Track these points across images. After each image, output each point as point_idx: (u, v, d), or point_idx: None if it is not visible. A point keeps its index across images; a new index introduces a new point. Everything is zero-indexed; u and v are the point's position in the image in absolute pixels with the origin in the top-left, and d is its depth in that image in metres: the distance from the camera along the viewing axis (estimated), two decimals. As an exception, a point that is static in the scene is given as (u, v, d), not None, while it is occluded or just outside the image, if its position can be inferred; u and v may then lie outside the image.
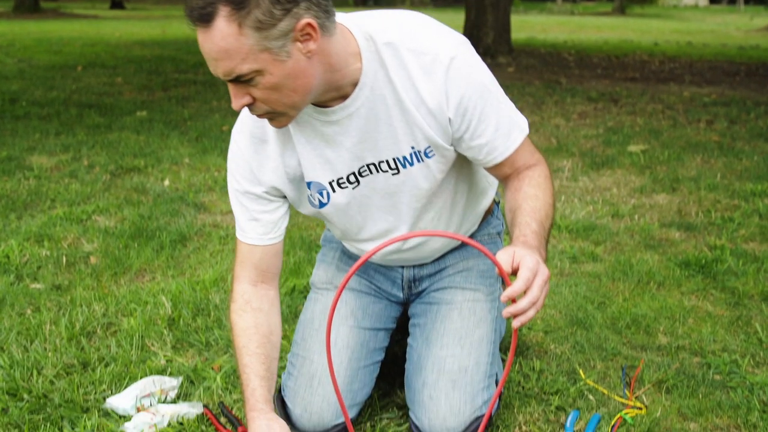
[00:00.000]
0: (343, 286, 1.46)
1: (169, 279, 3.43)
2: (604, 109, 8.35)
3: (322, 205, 2.08)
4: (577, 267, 3.63)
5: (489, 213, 2.39)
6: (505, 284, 1.63)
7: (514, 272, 1.64)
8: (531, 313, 1.61)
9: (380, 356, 2.35)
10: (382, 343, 2.36)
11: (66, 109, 7.84)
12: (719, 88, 10.40)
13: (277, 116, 1.81)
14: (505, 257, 1.65)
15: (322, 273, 2.41)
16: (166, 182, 5.09)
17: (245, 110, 1.99)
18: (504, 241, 2.48)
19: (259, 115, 1.82)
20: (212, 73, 1.73)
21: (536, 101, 8.85)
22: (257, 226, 2.10)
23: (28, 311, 3.05)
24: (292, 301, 3.16)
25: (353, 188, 2.04)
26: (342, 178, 2.02)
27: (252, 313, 2.12)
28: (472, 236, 2.35)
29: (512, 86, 9.95)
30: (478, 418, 2.14)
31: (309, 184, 2.05)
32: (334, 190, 2.04)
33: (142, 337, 2.80)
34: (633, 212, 4.51)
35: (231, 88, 1.75)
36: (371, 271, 2.37)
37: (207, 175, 5.29)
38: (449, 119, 1.89)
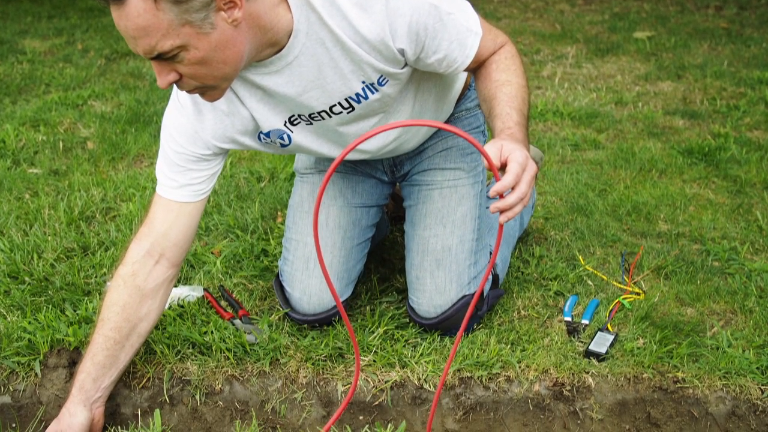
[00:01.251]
0: (328, 179, 1.42)
1: (167, 164, 3.40)
2: (611, -6, 8.13)
3: (284, 146, 2.01)
4: (579, 154, 3.60)
5: (466, 88, 2.31)
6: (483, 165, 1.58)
7: (502, 166, 1.59)
8: (518, 209, 1.57)
9: (372, 232, 2.36)
10: (374, 219, 2.36)
11: (58, -9, 7.63)
12: (729, -28, 10.10)
13: (208, 90, 1.69)
14: (493, 151, 1.60)
15: (305, 158, 2.37)
16: (163, 67, 4.99)
17: None
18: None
19: (189, 91, 1.69)
20: (134, 51, 1.59)
21: (541, -14, 8.61)
22: (188, 182, 1.95)
23: (27, 196, 3.04)
24: (291, 187, 3.12)
25: (307, 125, 1.95)
26: (293, 116, 1.92)
27: (130, 290, 1.94)
28: (450, 116, 2.30)
29: (516, -30, 9.66)
30: (466, 296, 2.16)
31: (268, 134, 1.95)
32: (291, 131, 1.96)
33: (141, 221, 2.79)
34: (637, 100, 4.44)
35: (155, 65, 1.61)
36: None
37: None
38: (401, 50, 1.78)
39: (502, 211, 1.56)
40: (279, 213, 2.90)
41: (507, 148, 1.60)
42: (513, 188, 1.55)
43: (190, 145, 1.92)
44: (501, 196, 1.55)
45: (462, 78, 2.24)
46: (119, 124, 3.84)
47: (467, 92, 2.30)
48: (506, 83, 1.87)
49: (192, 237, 2.03)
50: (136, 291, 1.95)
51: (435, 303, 2.16)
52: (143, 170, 3.32)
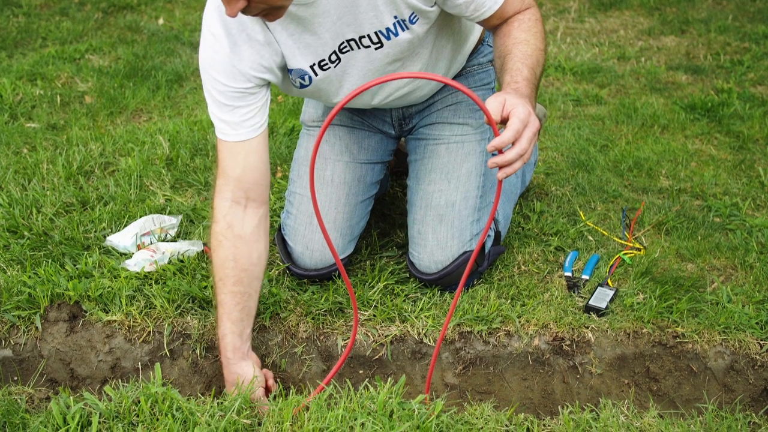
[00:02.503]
0: (328, 123, 1.41)
1: (166, 119, 3.38)
2: (615, -52, 8.01)
3: (303, 86, 2.00)
4: (581, 110, 3.57)
5: (479, 42, 2.30)
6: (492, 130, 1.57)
7: (504, 121, 1.56)
8: (517, 165, 1.54)
9: (375, 189, 2.35)
10: (378, 176, 2.34)
11: (53, -57, 7.51)
12: (735, -74, 9.94)
13: (274, 11, 1.70)
14: (495, 104, 1.56)
15: (312, 110, 2.36)
16: (161, 21, 4.93)
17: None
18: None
19: (255, 14, 1.70)
20: None
21: (544, -62, 8.48)
22: (241, 120, 1.94)
23: (25, 150, 3.02)
24: (291, 142, 3.12)
25: (335, 66, 1.95)
26: (324, 59, 1.92)
27: (232, 242, 1.96)
28: (462, 69, 2.29)
29: None
30: (467, 252, 2.16)
31: (290, 71, 1.96)
32: (316, 74, 1.95)
33: (140, 176, 2.78)
34: (640, 55, 4.39)
35: None
36: (360, 110, 2.32)
37: (202, 13, 5.12)
38: None
39: (500, 167, 1.54)
40: (278, 168, 2.89)
41: (510, 102, 1.57)
42: (513, 144, 1.53)
43: (230, 81, 1.91)
44: (500, 151, 1.53)
45: (477, 31, 2.23)
46: (117, 79, 3.80)
47: (480, 47, 2.29)
48: (524, 42, 1.85)
49: (267, 170, 2.03)
50: (239, 241, 1.97)
51: (436, 258, 2.16)
52: (142, 125, 3.30)
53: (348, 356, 2.04)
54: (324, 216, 2.19)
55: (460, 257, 2.15)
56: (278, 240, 2.29)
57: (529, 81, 1.75)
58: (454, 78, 2.27)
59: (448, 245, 2.14)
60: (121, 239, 2.34)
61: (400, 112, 2.29)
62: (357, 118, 2.31)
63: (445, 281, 2.17)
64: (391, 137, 2.36)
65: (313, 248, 2.18)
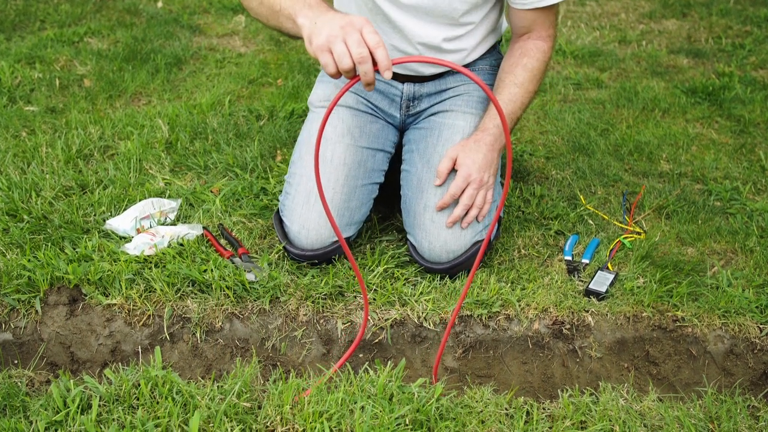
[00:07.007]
0: (340, 97, 1.42)
1: (165, 102, 3.36)
2: (616, -70, 7.97)
3: None
4: (582, 93, 3.56)
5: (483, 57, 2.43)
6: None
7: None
8: (473, 213, 1.92)
9: (379, 178, 2.33)
10: (381, 165, 2.33)
11: (51, -75, 7.46)
12: None
13: None
14: (445, 162, 2.06)
15: (320, 92, 2.35)
16: (160, 4, 4.91)
17: None
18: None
19: None
20: None
21: None
22: None
23: (24, 134, 3.01)
24: (291, 125, 3.11)
25: None
26: None
27: None
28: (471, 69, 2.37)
29: None
30: (478, 242, 2.15)
31: None
32: None
33: (140, 160, 2.77)
34: (641, 38, 4.38)
35: None
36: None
37: (201, -4, 5.10)
38: None
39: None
40: (278, 152, 2.88)
41: (461, 158, 2.06)
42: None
43: None
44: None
45: (493, 41, 2.39)
46: (116, 62, 3.78)
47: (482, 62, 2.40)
48: (519, 85, 2.19)
49: None
50: None
51: (449, 248, 2.14)
52: (141, 108, 3.29)
53: (354, 338, 2.04)
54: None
55: (472, 247, 2.15)
56: (275, 221, 2.28)
57: (499, 126, 2.08)
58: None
59: (462, 234, 2.13)
60: (120, 223, 2.34)
61: (411, 91, 2.30)
62: (362, 100, 2.30)
63: (454, 271, 2.17)
64: (395, 125, 2.35)
65: (309, 227, 2.17)
